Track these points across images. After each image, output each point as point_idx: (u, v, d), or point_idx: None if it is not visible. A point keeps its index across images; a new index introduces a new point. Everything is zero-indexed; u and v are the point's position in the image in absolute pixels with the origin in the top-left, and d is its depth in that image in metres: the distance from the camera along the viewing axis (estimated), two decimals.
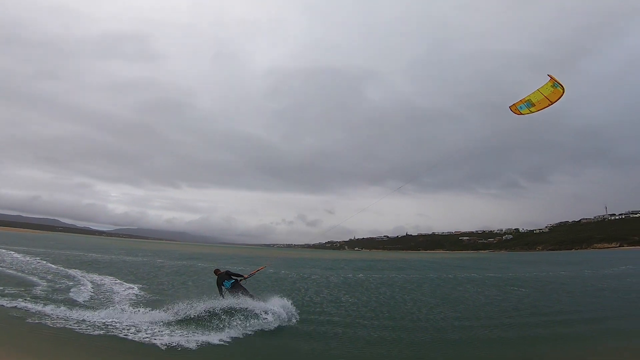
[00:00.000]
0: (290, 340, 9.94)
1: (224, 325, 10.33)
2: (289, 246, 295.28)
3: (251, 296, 12.42)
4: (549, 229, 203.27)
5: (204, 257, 50.01)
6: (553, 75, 9.57)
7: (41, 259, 28.18)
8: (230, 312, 11.35)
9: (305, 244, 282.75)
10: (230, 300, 11.94)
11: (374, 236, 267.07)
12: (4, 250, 33.74)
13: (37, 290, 14.70)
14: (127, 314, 11.19)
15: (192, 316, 11.02)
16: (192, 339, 9.31)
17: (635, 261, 45.56)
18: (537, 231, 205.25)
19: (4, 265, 23.13)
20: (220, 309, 11.44)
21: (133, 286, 17.41)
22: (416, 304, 15.31)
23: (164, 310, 11.31)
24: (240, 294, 12.23)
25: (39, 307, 11.53)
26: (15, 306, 11.61)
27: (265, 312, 11.35)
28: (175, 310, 11.19)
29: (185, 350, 8.65)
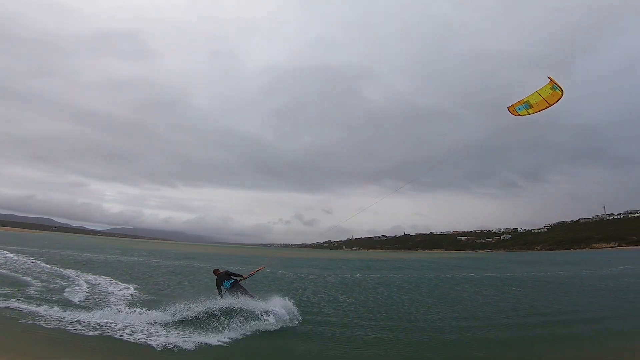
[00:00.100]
0: (287, 340, 9.88)
1: (222, 326, 10.23)
2: (286, 246, 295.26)
3: (251, 296, 12.28)
4: (547, 229, 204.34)
5: (200, 257, 49.82)
6: (553, 78, 9.58)
7: (35, 259, 27.93)
8: (229, 312, 11.24)
9: (303, 244, 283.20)
10: (229, 301, 11.80)
11: (371, 236, 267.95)
12: None
13: (31, 291, 14.52)
14: (122, 314, 11.05)
15: (190, 317, 10.90)
16: (189, 339, 9.21)
17: (633, 261, 45.86)
18: (536, 231, 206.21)
19: None
20: (219, 310, 11.30)
21: (129, 286, 17.26)
22: (414, 304, 15.29)
23: (160, 311, 11.18)
24: (240, 294, 12.10)
25: (32, 308, 11.38)
26: (9, 306, 11.45)
27: (266, 313, 11.20)
28: (172, 311, 11.06)
29: (182, 352, 8.56)
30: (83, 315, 10.77)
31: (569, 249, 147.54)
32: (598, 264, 43.47)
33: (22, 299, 12.70)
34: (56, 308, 11.38)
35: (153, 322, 10.45)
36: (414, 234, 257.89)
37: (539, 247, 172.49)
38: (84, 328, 9.69)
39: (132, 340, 9.11)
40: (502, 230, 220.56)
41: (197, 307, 11.21)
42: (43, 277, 18.79)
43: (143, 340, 9.11)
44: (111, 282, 18.51)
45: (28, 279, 17.73)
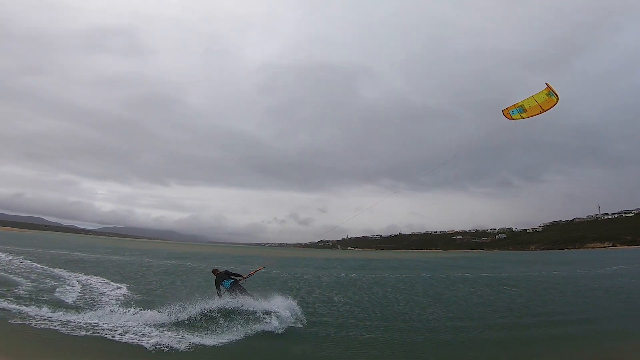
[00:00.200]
0: (282, 341, 9.79)
1: (218, 327, 10.12)
2: (280, 245, 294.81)
3: (251, 296, 12.11)
4: (542, 229, 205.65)
5: (193, 256, 49.54)
6: (550, 84, 9.74)
7: (25, 258, 27.55)
8: (227, 312, 11.10)
9: (298, 243, 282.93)
10: (228, 301, 11.60)
11: (367, 235, 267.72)
12: None
13: (21, 290, 14.28)
14: (114, 315, 10.87)
15: (185, 317, 10.73)
16: (183, 340, 9.09)
17: (627, 261, 46.18)
18: (531, 230, 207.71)
19: None
20: (217, 310, 11.14)
21: (121, 286, 17.10)
22: (409, 304, 15.31)
23: (154, 311, 11.03)
24: (240, 294, 11.95)
25: (22, 308, 11.16)
26: None
27: (267, 314, 11.03)
28: (167, 311, 10.90)
29: (176, 353, 8.43)
30: (74, 316, 10.58)
31: (564, 249, 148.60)
32: (592, 263, 43.88)
33: (11, 299, 12.45)
34: (46, 308, 11.14)
35: (146, 322, 10.28)
36: (409, 233, 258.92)
37: (533, 247, 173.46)
38: (75, 328, 9.53)
39: (124, 340, 8.96)
40: (497, 229, 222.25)
41: (193, 307, 11.04)
42: (33, 276, 18.52)
43: (135, 341, 8.97)
44: (103, 281, 18.32)
45: (17, 278, 17.43)
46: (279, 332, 10.29)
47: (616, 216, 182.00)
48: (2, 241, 52.81)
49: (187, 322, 10.53)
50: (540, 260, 59.34)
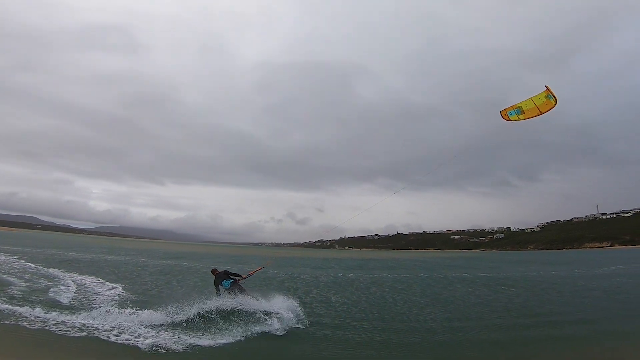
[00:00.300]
0: (279, 341, 9.73)
1: (215, 327, 10.05)
2: (277, 245, 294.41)
3: (251, 296, 12.04)
4: (540, 228, 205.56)
5: (189, 256, 49.31)
6: (549, 87, 9.77)
7: (18, 258, 27.30)
8: (225, 313, 11.05)
9: (295, 243, 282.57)
10: (226, 301, 11.54)
11: (364, 235, 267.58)
12: None
13: (14, 291, 14.11)
14: (109, 315, 10.77)
15: (182, 317, 10.63)
16: (179, 341, 9.01)
17: (625, 261, 46.17)
18: (529, 230, 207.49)
19: None
20: (215, 310, 11.08)
21: (116, 286, 16.95)
22: (406, 304, 15.28)
23: (149, 312, 10.93)
24: (239, 294, 11.89)
25: (15, 308, 11.02)
26: None
27: (267, 314, 10.97)
28: (163, 312, 10.82)
29: (172, 353, 8.36)
30: (68, 316, 10.47)
31: (562, 249, 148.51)
32: (590, 263, 43.97)
33: (4, 299, 12.31)
34: (40, 308, 11.02)
35: (142, 323, 10.19)
36: (407, 233, 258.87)
37: (532, 247, 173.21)
38: (69, 329, 9.43)
39: (119, 341, 8.88)
40: (495, 229, 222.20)
41: (190, 308, 10.95)
42: (27, 276, 18.35)
43: (131, 341, 8.89)
44: (98, 281, 18.16)
45: (11, 278, 17.24)
46: (279, 333, 10.20)
47: (614, 216, 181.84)
48: None
49: (184, 322, 10.42)
50: (538, 260, 59.51)
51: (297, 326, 10.92)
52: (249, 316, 10.86)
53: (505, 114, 10.79)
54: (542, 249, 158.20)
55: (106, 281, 18.31)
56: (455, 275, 29.84)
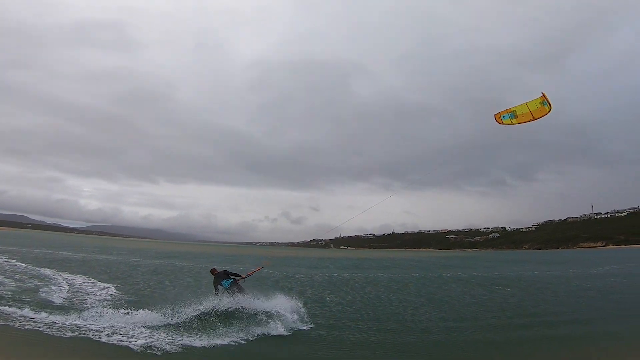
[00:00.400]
0: (275, 342, 9.65)
1: (211, 328, 9.93)
2: (272, 244, 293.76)
3: (251, 296, 11.92)
4: (535, 228, 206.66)
5: (182, 255, 48.98)
6: (545, 94, 9.88)
7: (8, 258, 26.95)
8: (224, 313, 10.94)
9: (290, 242, 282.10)
10: (226, 301, 11.40)
11: (360, 234, 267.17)
12: None
13: (3, 291, 13.88)
14: (101, 315, 10.58)
15: (177, 317, 10.51)
16: (172, 342, 8.87)
17: (619, 261, 46.72)
18: (524, 230, 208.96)
19: None
20: (213, 310, 10.96)
21: (108, 285, 16.75)
22: (402, 304, 15.30)
23: (143, 311, 10.79)
24: (239, 294, 11.78)
25: (5, 308, 10.81)
26: None
27: (268, 314, 10.85)
28: (157, 312, 10.67)
29: (165, 354, 8.22)
30: (59, 316, 10.30)
31: (557, 248, 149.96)
32: (585, 263, 44.42)
33: None
34: (30, 308, 10.82)
35: (135, 323, 10.04)
36: (403, 232, 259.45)
37: (527, 246, 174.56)
38: (60, 329, 9.27)
39: (110, 342, 8.73)
40: (490, 228, 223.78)
41: (186, 308, 10.82)
42: (16, 276, 18.10)
43: (123, 342, 8.75)
44: (89, 281, 17.95)
45: (0, 278, 16.96)
46: (279, 333, 10.12)
47: (609, 216, 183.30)
48: None
49: (179, 322, 10.31)
50: (533, 259, 60.00)
51: (294, 326, 10.85)
52: (246, 316, 10.75)
53: (498, 118, 10.90)
54: (537, 249, 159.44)
55: (98, 281, 18.09)
56: (451, 274, 29.96)
